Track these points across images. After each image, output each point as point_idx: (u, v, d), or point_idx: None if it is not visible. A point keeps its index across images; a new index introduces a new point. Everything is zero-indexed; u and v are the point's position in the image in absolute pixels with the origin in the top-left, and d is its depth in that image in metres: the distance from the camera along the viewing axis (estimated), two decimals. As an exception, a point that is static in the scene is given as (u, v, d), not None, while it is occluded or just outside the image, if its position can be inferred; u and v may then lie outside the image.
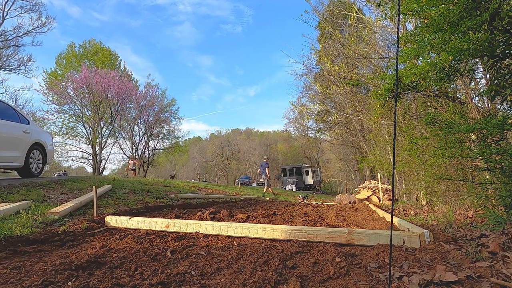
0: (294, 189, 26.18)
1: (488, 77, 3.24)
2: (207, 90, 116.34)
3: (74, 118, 20.75)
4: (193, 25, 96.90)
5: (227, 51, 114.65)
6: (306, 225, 3.01)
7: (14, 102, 16.50)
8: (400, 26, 6.07)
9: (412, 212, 4.18)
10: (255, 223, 2.95)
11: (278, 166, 46.23)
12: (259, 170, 11.14)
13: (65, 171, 29.14)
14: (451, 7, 2.57)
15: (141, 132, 24.17)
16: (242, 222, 2.82)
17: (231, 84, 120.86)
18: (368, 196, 8.95)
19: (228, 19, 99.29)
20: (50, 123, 19.56)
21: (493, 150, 2.59)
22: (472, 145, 3.20)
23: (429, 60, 3.09)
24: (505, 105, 2.62)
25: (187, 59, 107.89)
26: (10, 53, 16.40)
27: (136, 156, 23.07)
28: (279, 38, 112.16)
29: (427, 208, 4.41)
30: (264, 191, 10.66)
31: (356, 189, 11.81)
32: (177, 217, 3.34)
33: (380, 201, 8.35)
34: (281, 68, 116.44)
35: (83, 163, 23.34)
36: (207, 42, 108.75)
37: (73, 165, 27.41)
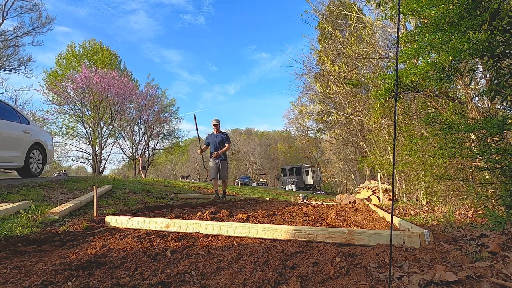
0: (294, 189, 26.20)
1: (488, 77, 3.24)
2: (183, 87, 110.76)
3: (74, 118, 20.76)
4: (149, 14, 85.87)
5: (195, 45, 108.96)
6: (306, 225, 3.01)
7: (14, 102, 16.50)
8: (400, 26, 6.07)
9: (412, 212, 4.18)
10: (255, 223, 2.95)
11: (278, 166, 46.24)
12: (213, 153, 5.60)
13: (65, 171, 29.15)
14: (451, 7, 2.57)
15: (141, 132, 24.19)
16: (242, 222, 2.82)
17: (207, 81, 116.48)
18: (368, 196, 8.96)
19: (186, 8, 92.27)
20: (50, 123, 19.58)
21: (493, 150, 2.59)
22: (472, 145, 3.20)
23: (429, 60, 3.09)
24: (505, 105, 2.62)
25: (153, 54, 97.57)
26: (10, 53, 16.41)
27: (137, 157, 23.08)
28: (248, 31, 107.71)
29: (427, 208, 4.41)
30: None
31: (356, 189, 11.82)
32: (177, 217, 3.34)
33: (380, 201, 8.35)
34: (257, 63, 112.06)
35: (83, 163, 23.37)
36: (170, 35, 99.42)
37: (73, 165, 27.48)
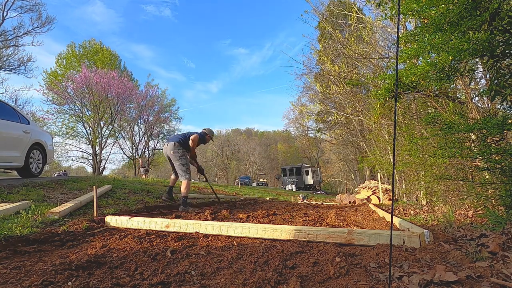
0: (294, 189, 26.20)
1: (488, 77, 3.24)
2: (162, 85, 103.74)
3: (74, 118, 20.77)
4: (107, 5, 73.66)
5: (165, 40, 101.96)
6: (306, 225, 3.01)
7: (14, 102, 16.51)
8: (400, 26, 6.07)
9: (412, 212, 4.18)
10: (255, 223, 2.95)
11: (278, 166, 46.25)
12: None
13: (65, 171, 29.11)
14: (451, 7, 2.57)
15: (141, 132, 24.20)
16: (242, 222, 2.82)
17: (186, 78, 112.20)
18: (368, 196, 8.95)
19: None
20: (50, 123, 19.59)
21: (493, 150, 2.59)
22: (472, 145, 3.20)
23: (429, 60, 3.09)
24: (505, 105, 2.62)
25: (121, 49, 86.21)
26: (10, 53, 16.40)
27: (137, 156, 23.09)
28: (219, 23, 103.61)
29: (427, 208, 4.41)
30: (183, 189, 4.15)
31: (356, 189, 11.81)
32: (177, 217, 3.34)
33: (380, 201, 8.35)
34: (236, 60, 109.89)
35: (83, 163, 23.37)
36: (135, 28, 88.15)
37: (73, 165, 27.48)
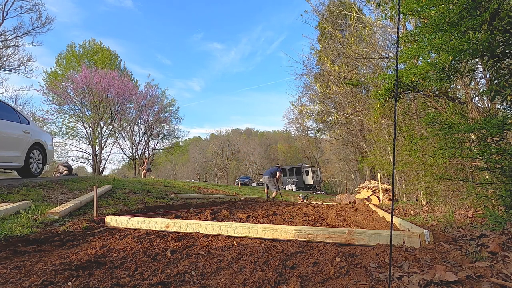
0: (294, 189, 26.20)
1: (488, 77, 3.24)
2: (140, 83, 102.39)
3: (74, 118, 20.75)
4: None
5: (133, 34, 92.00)
6: (306, 225, 3.01)
7: (14, 102, 16.49)
8: (400, 26, 6.07)
9: (412, 212, 4.18)
10: (255, 223, 2.95)
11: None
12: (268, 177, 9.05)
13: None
14: (451, 7, 2.57)
15: (141, 132, 24.19)
16: (242, 222, 2.83)
17: (164, 76, 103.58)
18: (368, 196, 8.95)
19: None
20: (50, 123, 19.56)
21: (493, 150, 2.59)
22: (472, 145, 3.19)
23: (429, 60, 3.09)
24: (505, 105, 2.62)
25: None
26: (10, 53, 16.38)
27: (137, 157, 23.10)
28: (187, 15, 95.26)
29: (427, 208, 4.41)
30: (274, 195, 8.83)
31: (356, 189, 11.81)
32: (177, 217, 3.34)
33: (380, 201, 8.35)
34: (212, 56, 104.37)
35: (83, 163, 23.30)
36: (97, 20, 76.08)
37: (73, 165, 27.38)
